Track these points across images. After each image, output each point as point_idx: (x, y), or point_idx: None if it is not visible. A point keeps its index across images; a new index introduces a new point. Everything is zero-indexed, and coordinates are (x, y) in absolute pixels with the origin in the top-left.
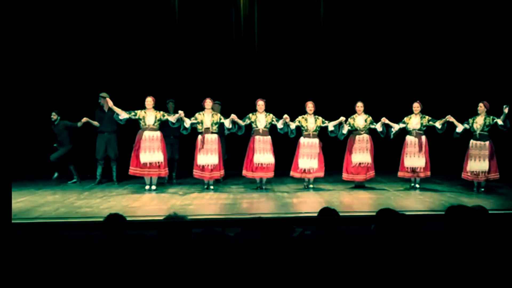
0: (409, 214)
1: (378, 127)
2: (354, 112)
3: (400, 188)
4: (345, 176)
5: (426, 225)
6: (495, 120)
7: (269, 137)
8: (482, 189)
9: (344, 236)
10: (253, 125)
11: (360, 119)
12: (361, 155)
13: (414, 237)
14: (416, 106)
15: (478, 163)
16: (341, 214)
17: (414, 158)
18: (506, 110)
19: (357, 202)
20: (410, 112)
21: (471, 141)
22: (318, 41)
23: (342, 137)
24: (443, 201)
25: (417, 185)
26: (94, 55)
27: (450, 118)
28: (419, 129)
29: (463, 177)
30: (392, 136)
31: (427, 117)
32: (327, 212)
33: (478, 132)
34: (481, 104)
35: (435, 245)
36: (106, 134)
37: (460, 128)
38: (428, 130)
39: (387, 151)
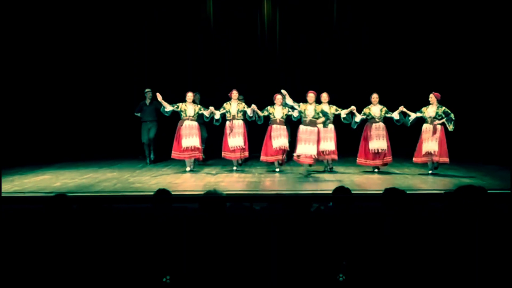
0: (413, 192)
1: (395, 115)
2: (369, 103)
3: (410, 172)
4: (361, 161)
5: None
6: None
7: (284, 126)
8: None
9: (355, 211)
10: (271, 116)
11: (375, 109)
12: (378, 141)
13: (418, 213)
14: (432, 97)
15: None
16: (352, 192)
17: (429, 143)
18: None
19: (367, 182)
20: (426, 103)
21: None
22: (333, 40)
23: (355, 126)
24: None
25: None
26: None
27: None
28: (434, 117)
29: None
30: (409, 124)
31: (443, 107)
32: (342, 191)
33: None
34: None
35: (435, 220)
36: (148, 123)
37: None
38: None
39: (406, 139)
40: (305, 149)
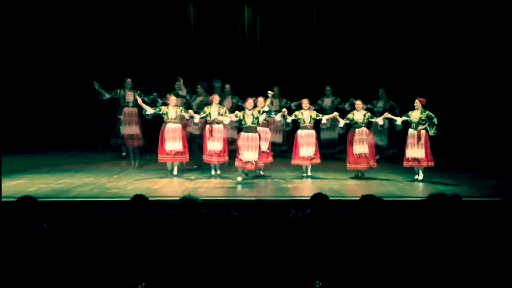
0: (389, 199)
1: (380, 120)
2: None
3: (388, 178)
4: (351, 166)
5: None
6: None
7: (267, 129)
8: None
9: (331, 217)
10: (242, 122)
11: (359, 115)
12: (361, 146)
13: (394, 219)
14: (417, 102)
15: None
16: (330, 198)
17: (415, 149)
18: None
19: (345, 189)
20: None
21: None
22: (315, 45)
23: (341, 131)
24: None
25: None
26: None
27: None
28: (418, 123)
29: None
30: (398, 129)
31: (427, 111)
32: (319, 197)
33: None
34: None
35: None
36: None
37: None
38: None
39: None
40: (247, 155)
